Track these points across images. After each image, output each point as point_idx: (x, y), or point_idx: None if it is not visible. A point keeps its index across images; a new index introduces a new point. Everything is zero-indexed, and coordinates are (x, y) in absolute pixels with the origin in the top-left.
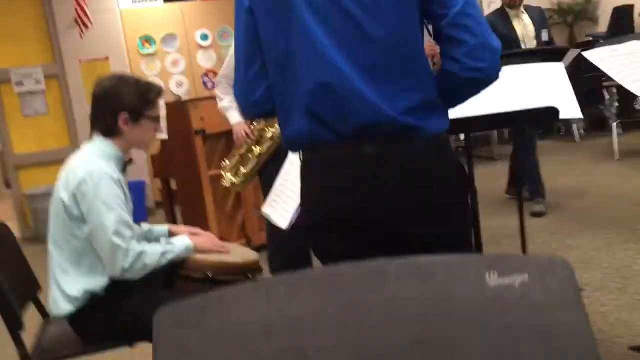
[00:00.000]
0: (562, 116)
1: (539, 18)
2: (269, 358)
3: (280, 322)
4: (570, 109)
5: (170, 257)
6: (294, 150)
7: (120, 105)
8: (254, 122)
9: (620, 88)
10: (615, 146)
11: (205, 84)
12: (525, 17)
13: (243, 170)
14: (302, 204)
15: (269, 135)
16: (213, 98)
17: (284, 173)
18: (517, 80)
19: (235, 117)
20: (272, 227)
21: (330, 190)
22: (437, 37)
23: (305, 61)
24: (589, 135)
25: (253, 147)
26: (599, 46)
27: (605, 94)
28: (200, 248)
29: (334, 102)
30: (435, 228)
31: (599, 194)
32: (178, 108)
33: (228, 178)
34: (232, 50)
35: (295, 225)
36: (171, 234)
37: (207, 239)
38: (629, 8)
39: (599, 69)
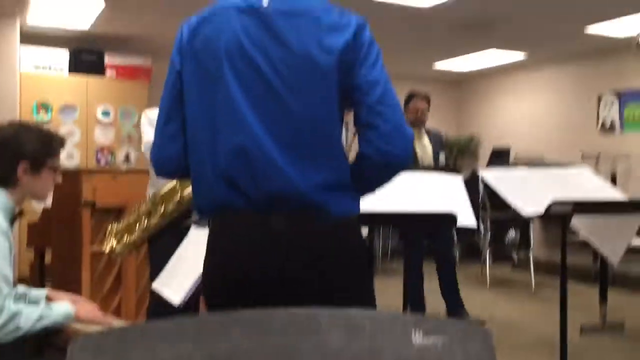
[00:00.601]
0: (459, 223)
1: (438, 141)
2: None
3: None
4: (466, 217)
5: (46, 322)
6: (204, 213)
7: (21, 153)
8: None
9: (493, 221)
10: (487, 274)
11: (98, 160)
12: (425, 139)
13: (127, 239)
14: (205, 272)
15: (160, 211)
16: (109, 172)
17: (183, 249)
18: (419, 186)
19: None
20: (154, 310)
21: (236, 261)
22: (356, 122)
23: (225, 126)
24: (463, 261)
25: (142, 218)
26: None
27: (481, 226)
28: (80, 317)
29: (248, 166)
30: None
31: (472, 317)
32: (69, 176)
33: (110, 242)
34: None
35: (180, 308)
36: (49, 300)
37: (89, 308)
38: (506, 150)
39: (476, 202)
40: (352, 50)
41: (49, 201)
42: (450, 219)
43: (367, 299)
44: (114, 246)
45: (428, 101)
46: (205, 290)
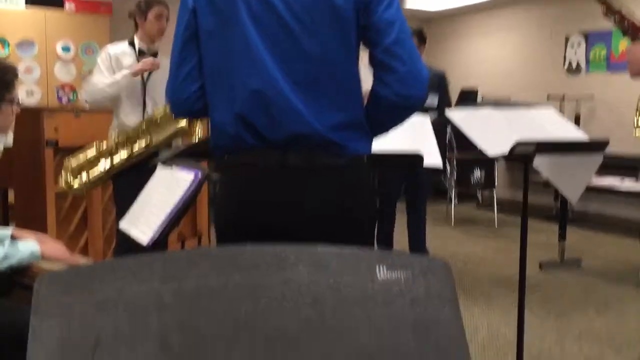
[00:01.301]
0: (425, 163)
1: (432, 81)
2: (159, 332)
3: (174, 297)
4: (432, 157)
5: (12, 261)
6: (218, 152)
7: None
8: (114, 135)
9: (458, 161)
10: (452, 213)
11: (60, 98)
12: None
13: (85, 177)
14: (218, 210)
15: (125, 154)
16: (71, 110)
17: (149, 188)
18: None
19: (124, 71)
20: (121, 250)
21: (251, 198)
22: (371, 61)
23: (242, 68)
24: (430, 200)
25: (103, 158)
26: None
27: (447, 166)
28: (47, 256)
29: (266, 110)
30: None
31: (435, 253)
32: (30, 114)
33: (66, 178)
34: (98, 65)
35: (149, 248)
36: (15, 239)
37: (55, 246)
38: (474, 90)
39: (443, 142)
40: None
41: (10, 139)
42: (416, 159)
43: (370, 239)
44: (70, 183)
45: (420, 38)
46: (219, 227)
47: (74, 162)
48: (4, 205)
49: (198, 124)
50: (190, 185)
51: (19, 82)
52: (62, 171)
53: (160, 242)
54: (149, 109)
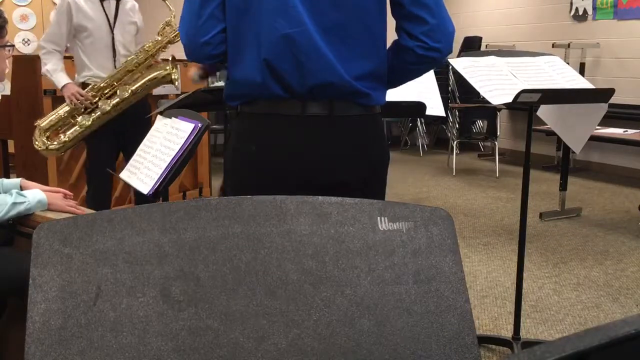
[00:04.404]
0: (428, 112)
1: None
2: (160, 282)
3: (174, 247)
4: (435, 107)
5: (20, 209)
6: (235, 101)
7: None
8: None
9: (460, 111)
10: (453, 163)
11: None
12: None
13: (63, 137)
14: (237, 158)
15: (107, 108)
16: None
17: (149, 140)
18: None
19: (62, 78)
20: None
21: (277, 148)
22: (396, 12)
23: (271, 11)
24: (431, 151)
25: (78, 116)
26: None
27: (449, 116)
28: (53, 206)
29: (295, 56)
30: (364, 193)
31: (435, 203)
32: (27, 63)
33: (41, 140)
34: (52, 14)
35: (152, 195)
36: (23, 189)
37: (60, 197)
38: (478, 38)
39: (445, 91)
40: None
41: (7, 87)
42: (420, 108)
43: (384, 189)
44: (48, 144)
45: None
46: (236, 176)
47: (47, 121)
48: (4, 156)
49: (175, 70)
50: (190, 136)
51: (15, 31)
52: (35, 133)
53: (161, 193)
54: (119, 56)
